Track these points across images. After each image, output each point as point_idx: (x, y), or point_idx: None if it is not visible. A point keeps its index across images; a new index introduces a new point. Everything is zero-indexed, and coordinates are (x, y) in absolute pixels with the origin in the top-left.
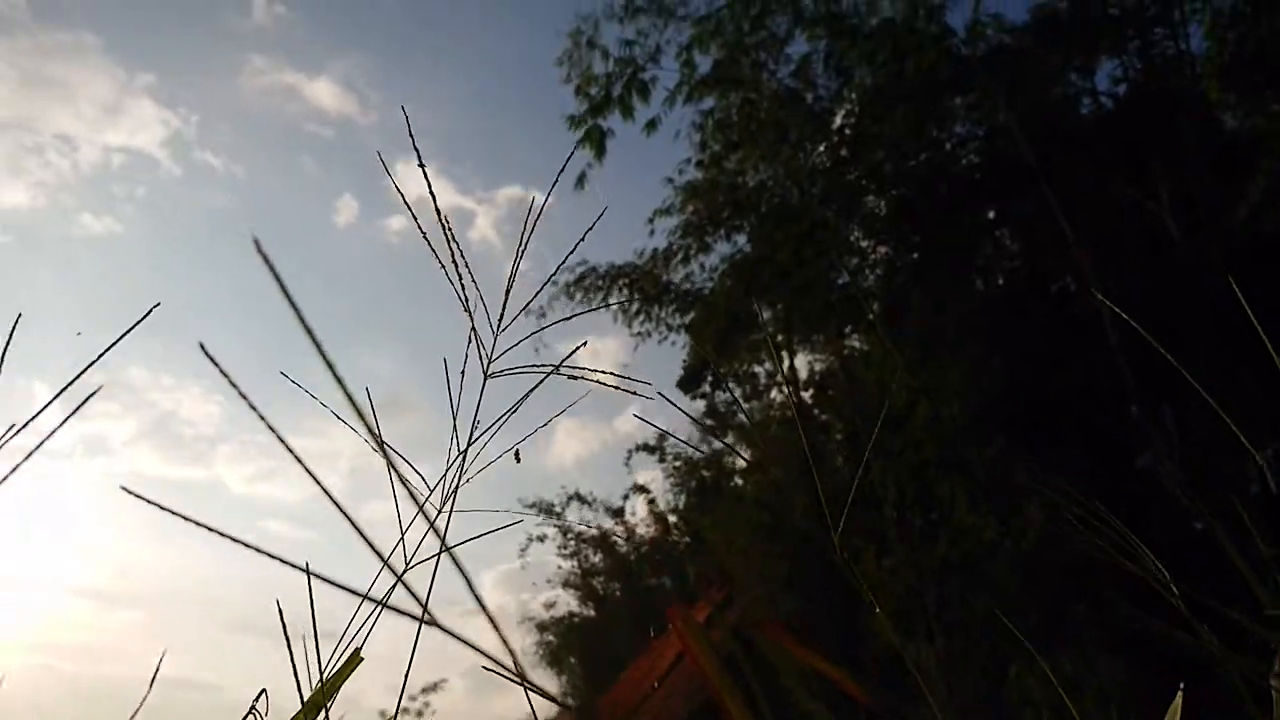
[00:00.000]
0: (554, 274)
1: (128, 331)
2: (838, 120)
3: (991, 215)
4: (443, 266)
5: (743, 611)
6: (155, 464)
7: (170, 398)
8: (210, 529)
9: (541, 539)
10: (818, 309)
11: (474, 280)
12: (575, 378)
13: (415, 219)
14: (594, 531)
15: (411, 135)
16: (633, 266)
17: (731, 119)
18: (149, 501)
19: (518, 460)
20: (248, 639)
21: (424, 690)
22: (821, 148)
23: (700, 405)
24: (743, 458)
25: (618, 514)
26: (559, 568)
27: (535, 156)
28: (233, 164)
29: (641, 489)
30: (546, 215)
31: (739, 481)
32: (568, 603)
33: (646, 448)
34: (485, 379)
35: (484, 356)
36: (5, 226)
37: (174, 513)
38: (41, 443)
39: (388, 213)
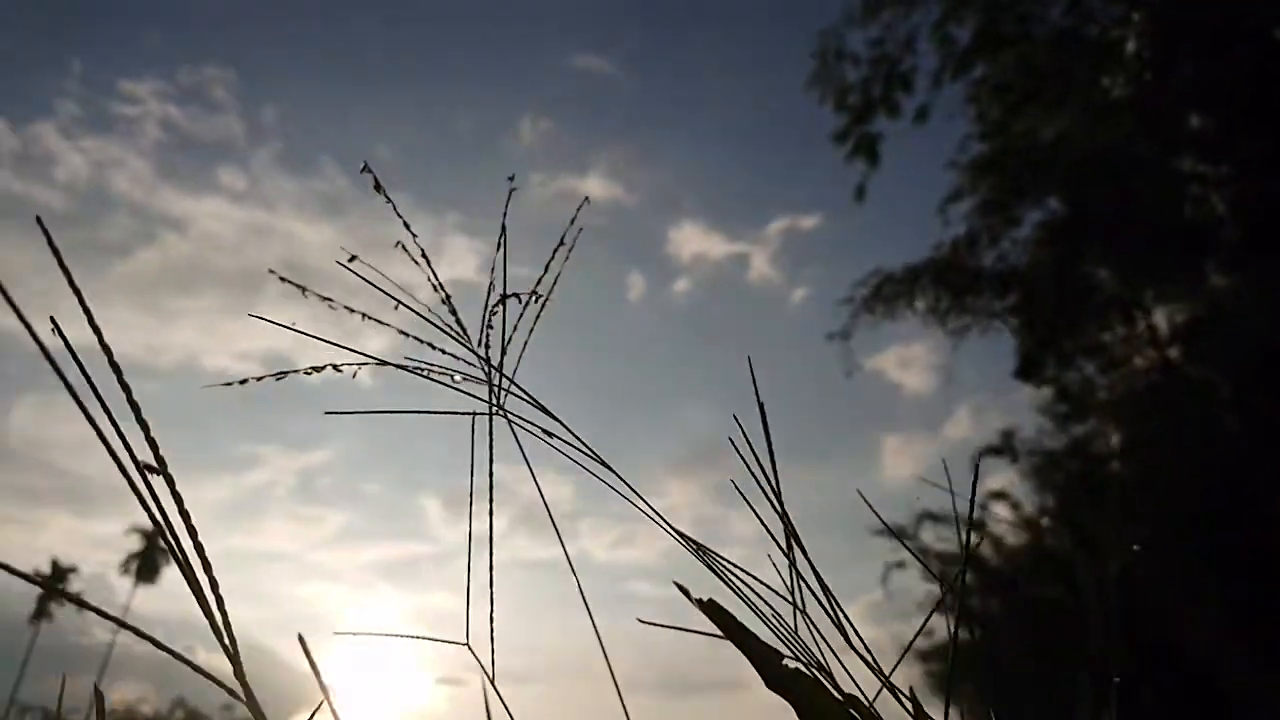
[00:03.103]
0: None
1: None
2: (1130, 45)
3: None
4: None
5: None
6: (531, 548)
7: (530, 486)
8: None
9: (900, 564)
10: (1163, 253)
11: None
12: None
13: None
14: (953, 549)
15: None
16: (931, 262)
17: (1008, 79)
18: None
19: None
20: (635, 698)
21: None
22: (1120, 79)
23: (1046, 393)
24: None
25: (978, 526)
26: (927, 592)
27: (797, 185)
28: (569, 272)
29: (999, 495)
30: (821, 237)
31: (1115, 466)
32: (945, 628)
33: (993, 450)
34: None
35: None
36: (377, 370)
37: None
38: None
39: (669, 279)
